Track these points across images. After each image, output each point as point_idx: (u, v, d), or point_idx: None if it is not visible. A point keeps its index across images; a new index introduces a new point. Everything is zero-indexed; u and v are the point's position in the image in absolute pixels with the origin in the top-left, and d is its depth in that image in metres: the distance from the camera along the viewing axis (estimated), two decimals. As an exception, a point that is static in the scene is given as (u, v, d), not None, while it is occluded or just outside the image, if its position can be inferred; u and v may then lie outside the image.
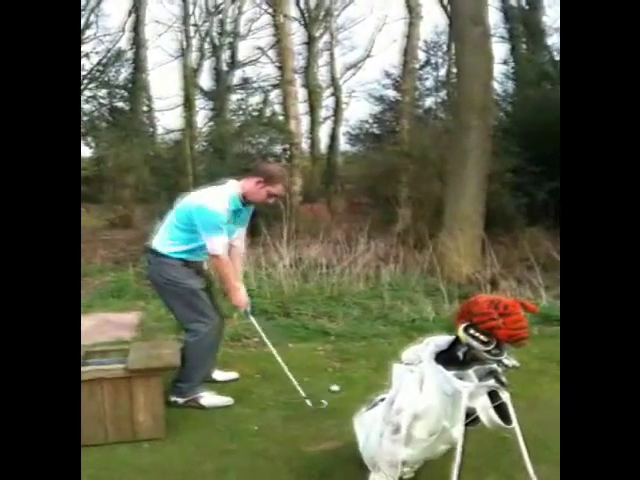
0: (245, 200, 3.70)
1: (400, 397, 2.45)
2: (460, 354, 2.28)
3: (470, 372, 2.27)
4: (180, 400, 3.70)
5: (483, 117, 7.30)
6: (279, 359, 3.98)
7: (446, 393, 2.29)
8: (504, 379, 2.23)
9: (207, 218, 3.50)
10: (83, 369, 3.21)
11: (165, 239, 3.70)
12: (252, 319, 4.09)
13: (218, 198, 3.56)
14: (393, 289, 7.36)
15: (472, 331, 2.19)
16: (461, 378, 2.29)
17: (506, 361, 2.20)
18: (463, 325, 2.23)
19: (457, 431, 2.43)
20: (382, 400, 2.81)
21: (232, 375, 4.26)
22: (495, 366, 2.22)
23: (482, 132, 7.29)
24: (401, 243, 8.95)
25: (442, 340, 2.43)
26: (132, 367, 3.18)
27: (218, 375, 4.14)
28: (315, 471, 2.96)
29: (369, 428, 2.71)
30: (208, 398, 3.73)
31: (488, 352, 2.18)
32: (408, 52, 11.33)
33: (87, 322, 6.11)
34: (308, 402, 3.72)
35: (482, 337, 2.17)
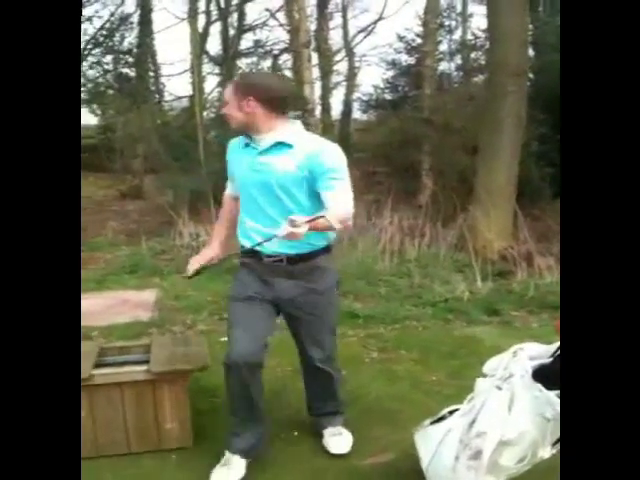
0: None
1: (483, 418, 2.05)
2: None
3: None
4: None
5: (518, 82, 6.77)
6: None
7: (545, 417, 1.89)
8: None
9: None
10: (99, 371, 2.83)
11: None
12: None
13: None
14: (420, 266, 6.96)
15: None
16: (564, 398, 1.88)
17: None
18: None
19: (547, 453, 2.04)
20: (451, 413, 2.41)
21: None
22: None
23: (517, 98, 6.77)
24: (424, 216, 8.53)
25: (536, 350, 2.02)
26: (156, 369, 2.78)
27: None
28: (370, 489, 2.59)
29: (437, 445, 2.32)
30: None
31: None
32: (428, 12, 10.71)
33: (102, 301, 5.81)
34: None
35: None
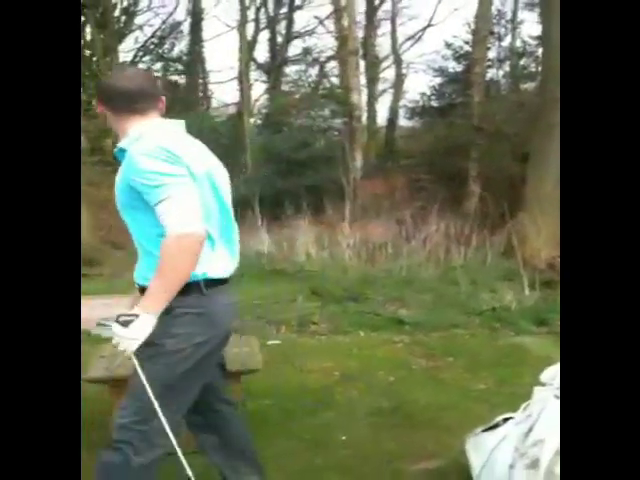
0: None
1: (541, 426, 2.01)
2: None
3: None
4: None
5: (572, 88, 6.65)
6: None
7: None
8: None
9: None
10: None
11: None
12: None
13: None
14: (467, 273, 6.89)
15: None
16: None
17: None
18: None
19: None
20: (505, 420, 2.38)
21: None
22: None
23: (570, 104, 6.65)
24: (471, 223, 8.45)
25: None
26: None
27: None
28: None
29: (490, 452, 2.29)
30: None
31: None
32: (479, 19, 10.62)
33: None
34: None
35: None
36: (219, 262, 1.99)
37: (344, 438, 3.05)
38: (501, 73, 16.78)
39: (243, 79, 15.22)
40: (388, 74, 19.20)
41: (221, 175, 2.07)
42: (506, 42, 17.52)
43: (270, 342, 4.72)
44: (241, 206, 10.32)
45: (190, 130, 2.12)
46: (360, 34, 15.95)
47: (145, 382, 1.85)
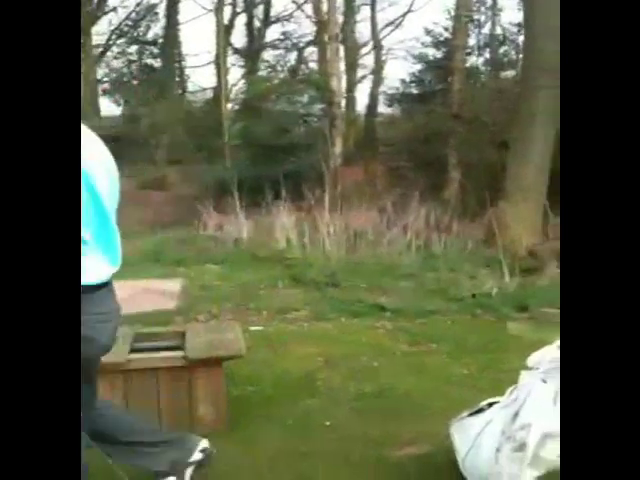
0: None
1: (528, 410, 2.02)
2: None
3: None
4: None
5: (554, 76, 6.67)
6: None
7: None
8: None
9: None
10: (134, 356, 2.84)
11: None
12: None
13: None
14: (447, 260, 6.92)
15: None
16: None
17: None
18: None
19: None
20: (490, 405, 2.38)
21: None
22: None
23: (552, 93, 6.65)
24: (451, 211, 8.48)
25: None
26: (193, 356, 2.78)
27: None
28: (407, 482, 2.56)
29: (476, 436, 2.29)
30: None
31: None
32: (460, 5, 10.60)
33: (126, 290, 5.79)
34: None
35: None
36: (90, 268, 1.80)
37: (328, 424, 3.04)
38: (481, 60, 16.85)
39: (220, 63, 15.05)
40: (367, 60, 19.14)
41: (102, 169, 1.82)
42: (486, 29, 17.61)
43: (252, 328, 4.69)
44: (219, 192, 10.27)
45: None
46: (339, 19, 15.85)
47: None
